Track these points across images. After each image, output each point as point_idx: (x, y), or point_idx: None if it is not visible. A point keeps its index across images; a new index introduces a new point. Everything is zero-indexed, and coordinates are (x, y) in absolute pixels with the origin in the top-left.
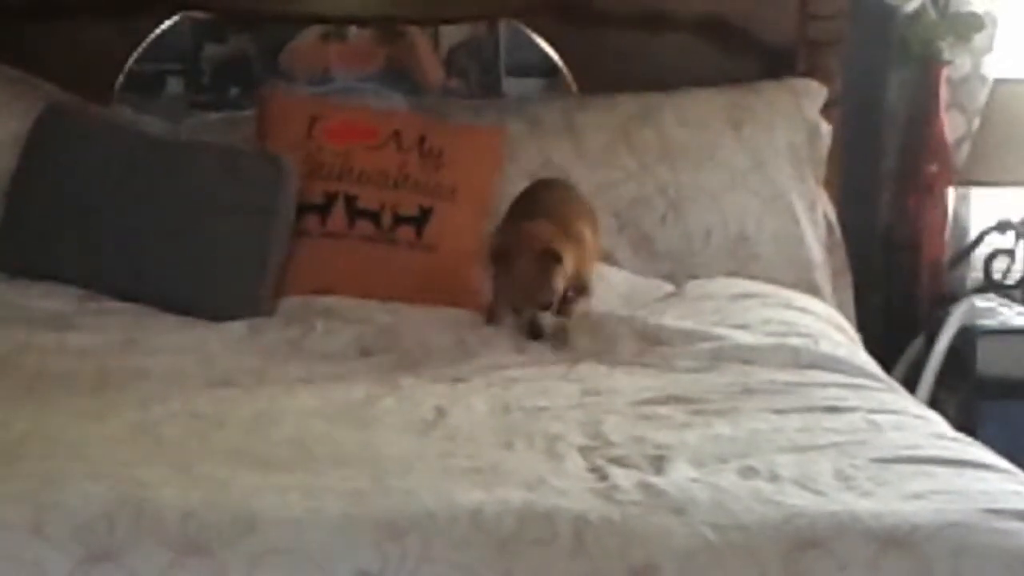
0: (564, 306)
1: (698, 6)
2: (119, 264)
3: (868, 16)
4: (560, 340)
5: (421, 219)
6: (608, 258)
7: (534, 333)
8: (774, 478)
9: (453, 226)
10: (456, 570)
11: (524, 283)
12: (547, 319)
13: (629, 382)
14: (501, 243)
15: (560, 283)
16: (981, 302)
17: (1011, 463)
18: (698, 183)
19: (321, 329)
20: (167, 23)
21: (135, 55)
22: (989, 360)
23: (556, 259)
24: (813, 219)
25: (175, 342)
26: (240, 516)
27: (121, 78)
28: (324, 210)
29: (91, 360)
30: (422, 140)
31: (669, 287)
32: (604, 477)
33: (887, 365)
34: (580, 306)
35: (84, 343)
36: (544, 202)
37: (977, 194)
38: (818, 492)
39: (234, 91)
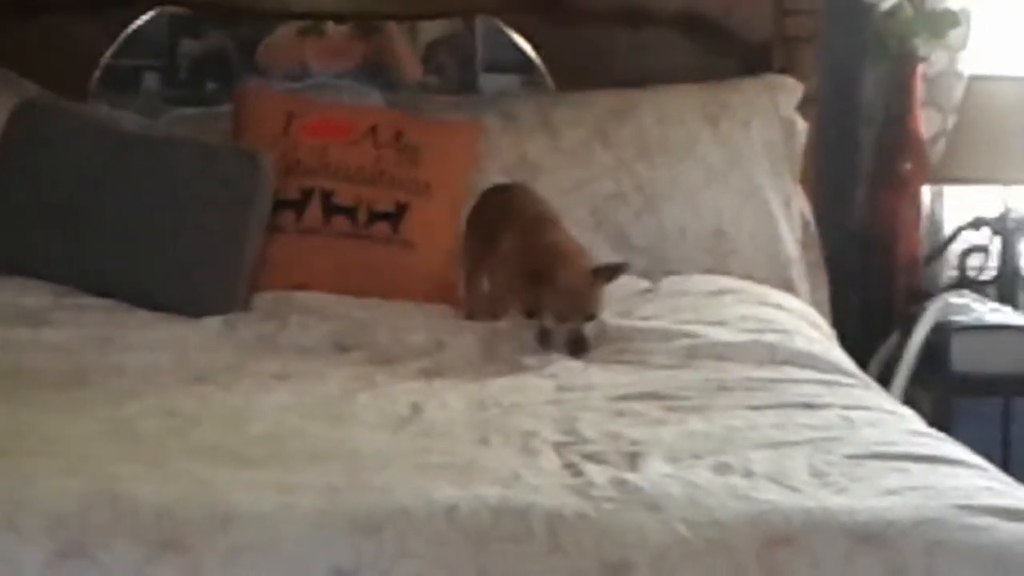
0: None
1: (675, 3)
2: (95, 260)
3: (844, 13)
4: (581, 347)
5: (397, 215)
6: None
7: (576, 349)
8: (748, 474)
9: (429, 222)
10: (431, 566)
11: (572, 294)
12: (590, 331)
13: (604, 378)
14: (538, 259)
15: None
16: (956, 299)
17: (985, 459)
18: (674, 179)
19: (296, 325)
20: (144, 18)
21: (111, 50)
22: (963, 356)
23: (606, 278)
24: (789, 215)
25: (150, 338)
26: (215, 512)
27: (97, 73)
28: (300, 206)
29: (66, 356)
30: (398, 136)
31: (645, 283)
32: (579, 473)
33: (862, 361)
34: None
35: (59, 339)
36: (535, 216)
37: (952, 191)
38: (792, 488)
39: (211, 86)
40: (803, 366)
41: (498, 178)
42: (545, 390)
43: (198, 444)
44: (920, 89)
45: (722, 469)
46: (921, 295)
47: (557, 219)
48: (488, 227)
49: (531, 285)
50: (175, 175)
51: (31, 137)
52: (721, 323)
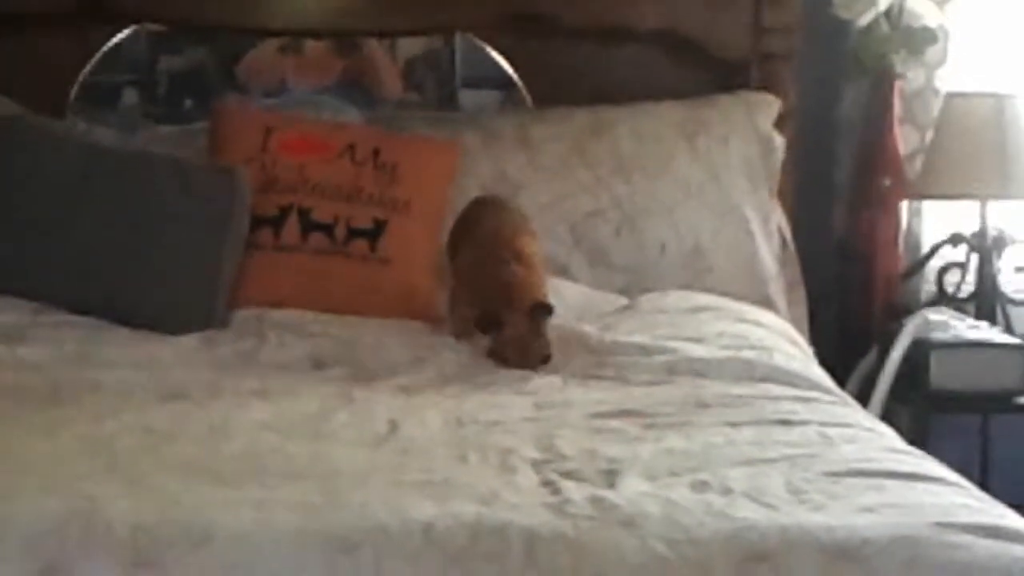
0: None
1: (652, 20)
2: (72, 277)
3: (821, 30)
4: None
5: (375, 232)
6: (563, 271)
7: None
8: (726, 492)
9: (407, 239)
10: None
11: (521, 338)
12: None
13: (583, 395)
14: (485, 309)
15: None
16: (934, 315)
17: (963, 476)
18: (653, 196)
19: (274, 342)
20: (122, 34)
21: (90, 66)
22: (942, 373)
23: (548, 311)
24: (767, 232)
25: (128, 355)
26: (192, 530)
27: (76, 89)
28: (278, 223)
29: (43, 374)
30: (376, 153)
31: (623, 300)
32: (556, 491)
33: (840, 378)
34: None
35: (36, 356)
36: (489, 232)
37: (930, 207)
38: (769, 506)
39: (189, 103)
40: (781, 383)
41: (476, 195)
42: (523, 407)
43: (175, 461)
44: (898, 106)
45: (699, 486)
46: (899, 311)
47: (513, 237)
48: (457, 244)
49: (483, 331)
50: (152, 192)
51: (8, 153)
52: (699, 340)
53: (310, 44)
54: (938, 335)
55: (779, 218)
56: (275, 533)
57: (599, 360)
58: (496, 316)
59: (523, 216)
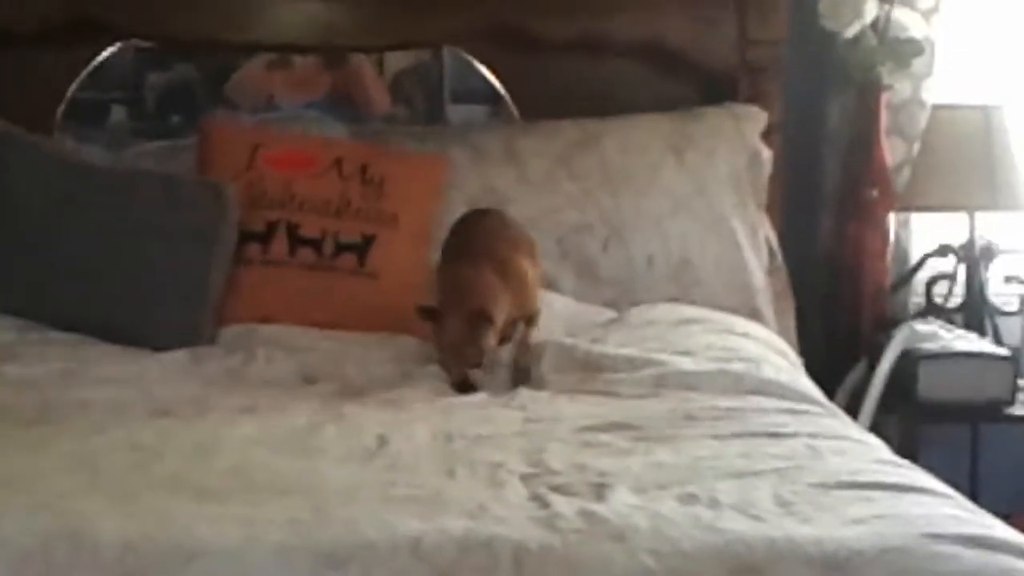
0: (520, 342)
1: (638, 32)
2: (59, 294)
3: (808, 42)
4: (523, 375)
5: (363, 247)
6: (551, 284)
7: (462, 390)
8: (714, 504)
9: (395, 253)
10: None
11: (453, 342)
12: (478, 376)
13: (571, 409)
14: (440, 296)
15: (490, 341)
16: (922, 326)
17: (952, 487)
18: (640, 209)
19: (263, 357)
20: (110, 51)
21: (77, 83)
22: (930, 384)
23: (487, 320)
24: (755, 244)
25: (115, 372)
26: (179, 547)
27: (63, 106)
28: (266, 238)
29: (30, 391)
30: (364, 168)
31: (611, 313)
32: (545, 505)
33: (829, 390)
34: (533, 337)
35: (24, 374)
36: (479, 240)
37: (918, 219)
38: (757, 518)
39: (177, 119)
40: (770, 395)
41: (464, 209)
42: (512, 421)
43: (163, 478)
44: (884, 117)
45: (688, 499)
46: (888, 323)
47: (504, 248)
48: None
49: (423, 319)
50: (139, 208)
51: None
52: (688, 352)
53: (298, 60)
54: (927, 346)
55: (767, 230)
56: (263, 549)
57: (588, 374)
58: (435, 312)
59: (525, 233)
